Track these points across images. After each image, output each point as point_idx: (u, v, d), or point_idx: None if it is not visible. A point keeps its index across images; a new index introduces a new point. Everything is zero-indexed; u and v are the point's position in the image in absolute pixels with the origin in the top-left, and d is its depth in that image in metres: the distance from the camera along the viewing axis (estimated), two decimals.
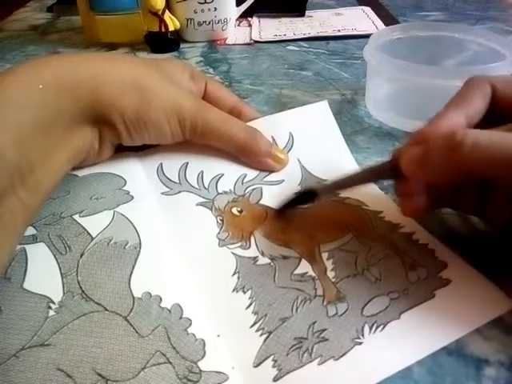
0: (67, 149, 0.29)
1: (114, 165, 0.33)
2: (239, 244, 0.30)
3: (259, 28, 0.74)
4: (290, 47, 0.66)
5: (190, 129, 0.33)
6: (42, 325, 0.24)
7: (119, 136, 0.31)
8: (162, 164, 0.34)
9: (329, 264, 0.29)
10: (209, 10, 0.66)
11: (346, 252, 0.30)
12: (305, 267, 0.29)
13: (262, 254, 0.30)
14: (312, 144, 0.38)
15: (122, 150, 0.34)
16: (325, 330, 0.26)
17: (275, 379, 0.24)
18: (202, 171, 0.34)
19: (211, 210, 0.32)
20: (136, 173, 0.33)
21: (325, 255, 0.30)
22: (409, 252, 0.30)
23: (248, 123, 0.37)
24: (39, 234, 0.28)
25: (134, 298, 0.26)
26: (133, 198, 0.31)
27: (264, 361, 0.24)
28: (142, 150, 0.35)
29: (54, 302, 0.25)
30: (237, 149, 0.35)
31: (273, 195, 0.34)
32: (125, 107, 0.30)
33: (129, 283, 0.27)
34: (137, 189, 0.32)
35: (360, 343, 0.25)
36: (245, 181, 0.34)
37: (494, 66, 0.38)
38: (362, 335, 0.25)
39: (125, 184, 0.32)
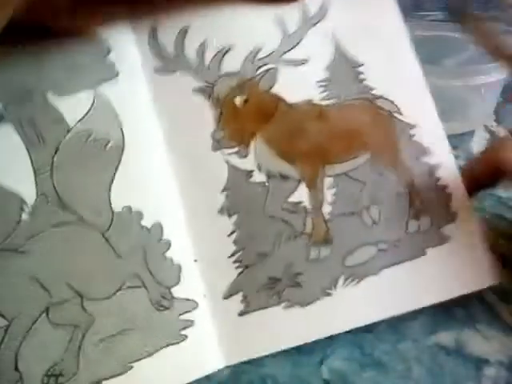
0: None
1: None
2: (236, 149, 0.27)
3: None
4: None
5: None
6: (15, 228, 0.23)
7: None
8: (156, 26, 0.27)
9: (329, 194, 0.27)
10: None
11: (352, 181, 0.27)
12: (301, 195, 0.27)
13: (259, 167, 0.27)
14: (354, 11, 0.29)
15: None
16: (300, 274, 0.26)
17: (240, 314, 0.25)
18: (206, 40, 0.27)
19: (209, 99, 0.27)
20: (124, 37, 0.26)
21: (328, 181, 0.27)
22: (423, 192, 0.27)
23: None
24: (6, 111, 0.24)
25: (113, 211, 0.24)
26: (118, 73, 0.26)
27: (234, 294, 0.25)
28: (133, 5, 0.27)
29: (26, 204, 0.24)
30: None
31: (290, 80, 0.28)
32: None
33: (108, 192, 0.25)
34: (124, 60, 0.26)
35: (329, 294, 0.25)
36: (257, 57, 0.28)
37: (494, 65, 0.39)
38: (335, 286, 0.26)
39: (109, 52, 0.26)
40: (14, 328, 0.22)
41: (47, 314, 0.23)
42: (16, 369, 0.22)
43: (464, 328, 0.26)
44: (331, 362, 0.25)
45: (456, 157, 0.28)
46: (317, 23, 0.28)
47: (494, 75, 0.40)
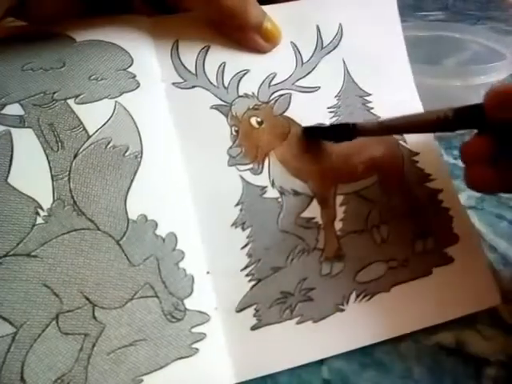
0: None
1: (120, 33, 0.27)
2: (251, 166, 0.27)
3: None
4: None
5: None
6: (29, 232, 0.23)
7: None
8: (178, 44, 0.28)
9: (340, 212, 0.27)
10: None
11: (363, 200, 0.28)
12: (313, 211, 0.27)
13: (273, 183, 0.27)
14: (364, 44, 0.31)
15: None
16: (313, 289, 0.26)
17: (253, 328, 0.24)
18: (225, 63, 0.28)
19: (227, 116, 0.28)
20: (146, 51, 0.27)
21: (339, 199, 0.28)
22: (426, 213, 0.28)
23: (288, 3, 0.30)
24: (27, 116, 0.24)
25: (128, 220, 0.24)
26: (139, 85, 0.27)
27: (246, 308, 0.25)
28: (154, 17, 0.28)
29: (42, 208, 0.23)
30: (220, 16, 0.27)
31: (302, 105, 0.29)
32: None
33: (125, 201, 0.24)
34: (145, 73, 0.27)
35: (342, 310, 0.25)
36: (272, 83, 0.29)
37: (494, 65, 0.39)
38: (347, 302, 0.26)
39: (131, 64, 0.27)
40: (22, 336, 0.21)
41: (57, 322, 0.22)
42: (22, 379, 0.21)
43: (464, 328, 0.26)
44: (331, 361, 0.25)
45: (455, 157, 0.29)
46: (330, 52, 0.30)
47: (493, 75, 0.39)
